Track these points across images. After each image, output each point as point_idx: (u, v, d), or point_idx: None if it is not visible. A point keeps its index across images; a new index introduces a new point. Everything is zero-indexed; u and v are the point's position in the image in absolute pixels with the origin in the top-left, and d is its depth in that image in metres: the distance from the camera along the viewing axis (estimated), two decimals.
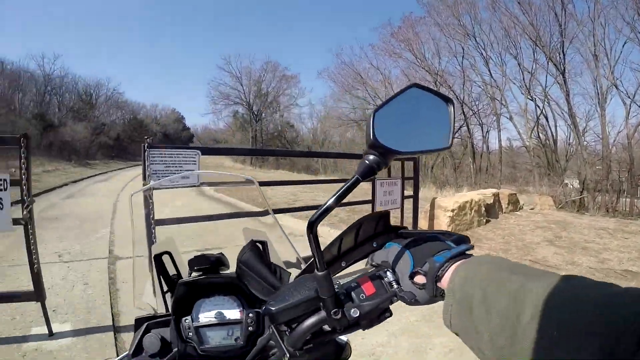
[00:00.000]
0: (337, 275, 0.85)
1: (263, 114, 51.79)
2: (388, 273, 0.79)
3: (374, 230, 0.91)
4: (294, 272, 1.00)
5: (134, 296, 1.22)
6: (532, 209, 12.80)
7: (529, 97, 26.13)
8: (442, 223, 7.84)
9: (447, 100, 0.80)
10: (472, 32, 27.85)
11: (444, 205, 8.04)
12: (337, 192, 0.70)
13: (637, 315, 0.38)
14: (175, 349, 0.99)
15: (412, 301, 0.74)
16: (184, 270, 1.23)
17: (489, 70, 28.15)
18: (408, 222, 7.33)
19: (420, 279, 0.73)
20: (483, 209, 9.06)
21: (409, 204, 7.33)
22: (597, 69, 22.46)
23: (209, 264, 1.09)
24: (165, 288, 1.23)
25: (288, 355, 0.75)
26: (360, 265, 0.94)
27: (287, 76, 51.21)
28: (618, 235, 8.80)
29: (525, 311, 0.49)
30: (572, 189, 22.26)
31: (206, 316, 1.02)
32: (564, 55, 23.96)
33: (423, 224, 8.13)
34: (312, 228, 0.69)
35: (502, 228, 8.85)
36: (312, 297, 0.72)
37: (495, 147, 30.06)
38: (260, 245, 1.13)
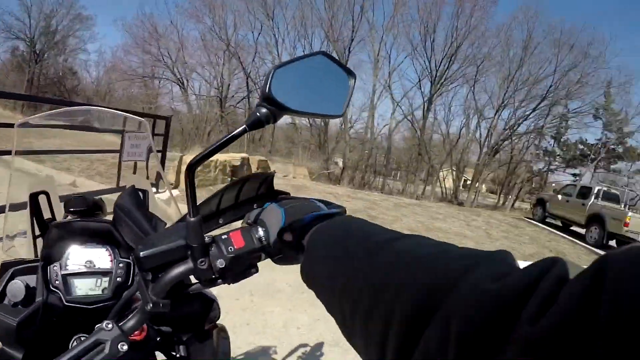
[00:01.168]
0: (212, 231, 0.87)
1: (46, 55, 46.01)
2: (259, 228, 0.80)
3: (257, 192, 0.93)
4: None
5: (3, 238, 1.22)
6: (285, 176, 15.04)
7: None
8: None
9: (349, 73, 0.83)
10: (272, 14, 29.90)
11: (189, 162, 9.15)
12: (221, 139, 0.72)
13: (452, 272, 0.42)
14: (39, 298, 0.97)
15: (279, 258, 0.78)
16: (60, 214, 1.23)
17: (278, 53, 30.79)
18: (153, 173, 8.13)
19: (287, 236, 0.75)
20: (229, 169, 10.39)
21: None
22: (376, 70, 28.39)
23: (85, 206, 1.10)
24: (37, 231, 1.22)
25: (151, 304, 0.73)
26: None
27: (82, 16, 45.72)
28: (342, 199, 11.36)
29: (371, 270, 0.51)
30: (337, 166, 27.15)
31: (76, 264, 1.01)
32: (349, 52, 28.36)
33: (171, 177, 8.83)
34: (190, 170, 0.71)
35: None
36: (180, 244, 0.73)
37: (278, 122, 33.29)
38: (140, 193, 1.14)
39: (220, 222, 0.91)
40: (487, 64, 27.88)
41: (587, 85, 28.00)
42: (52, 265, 1.00)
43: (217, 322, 1.09)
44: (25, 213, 1.23)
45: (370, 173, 28.13)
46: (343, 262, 0.57)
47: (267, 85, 0.71)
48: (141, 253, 0.72)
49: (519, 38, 27.78)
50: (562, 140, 34.40)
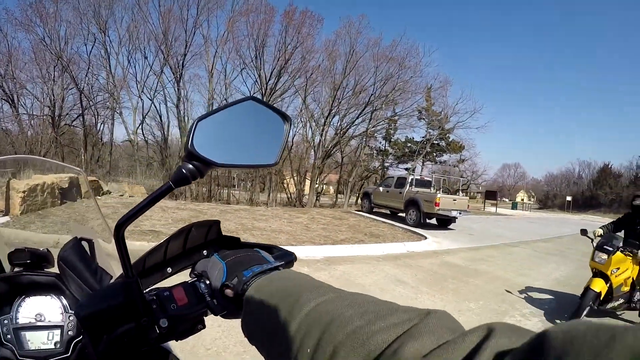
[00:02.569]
0: (161, 281, 0.91)
1: None
2: (202, 284, 0.81)
3: (205, 239, 0.95)
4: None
5: None
6: (121, 195, 15.75)
7: (146, 96, 30.64)
8: (16, 203, 9.28)
9: (284, 117, 0.83)
10: (104, 26, 29.54)
11: (17, 187, 9.12)
12: (149, 197, 0.71)
13: (375, 343, 0.41)
14: None
15: (223, 314, 0.80)
16: (7, 267, 1.20)
17: (111, 68, 30.59)
18: None
19: (229, 292, 0.76)
20: (57, 192, 11.02)
21: None
22: (211, 85, 29.83)
23: (29, 259, 1.09)
24: None
25: None
26: None
27: None
28: (170, 210, 12.52)
29: (293, 328, 0.53)
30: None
31: (26, 317, 1.01)
32: (183, 66, 28.97)
33: (0, 205, 9.53)
34: (119, 230, 0.70)
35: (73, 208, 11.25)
36: (120, 303, 0.72)
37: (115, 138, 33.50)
38: (86, 244, 1.13)
39: (169, 271, 0.93)
40: (316, 76, 30.66)
41: (407, 92, 32.35)
42: (1, 318, 1.00)
43: None
44: None
45: (214, 186, 29.10)
46: (274, 322, 0.58)
47: (190, 141, 0.70)
48: (81, 313, 0.72)
49: (343, 52, 30.94)
50: (392, 140, 39.38)
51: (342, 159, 33.43)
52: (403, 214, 17.78)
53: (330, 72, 30.85)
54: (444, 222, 17.98)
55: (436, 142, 40.17)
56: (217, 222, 0.95)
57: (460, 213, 17.24)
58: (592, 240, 6.73)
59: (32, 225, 8.17)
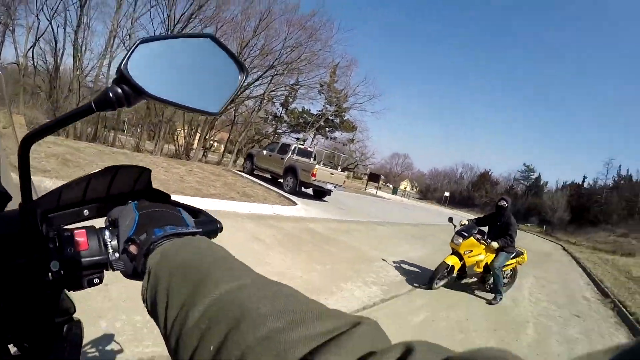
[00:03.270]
0: (74, 223, 0.80)
1: None
2: (108, 233, 0.73)
3: (133, 187, 0.89)
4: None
5: None
6: None
7: (44, 16, 26.72)
8: None
9: (241, 67, 0.77)
10: None
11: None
12: (67, 113, 0.64)
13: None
14: None
15: (122, 272, 0.70)
16: None
17: None
18: None
19: (133, 248, 0.67)
20: None
21: None
22: (117, 14, 26.77)
23: None
24: None
25: None
26: None
27: None
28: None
29: (194, 316, 0.47)
30: None
31: None
32: None
33: None
34: (26, 146, 0.63)
35: None
36: (13, 232, 0.66)
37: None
38: None
39: (85, 214, 0.85)
40: (226, 28, 29.55)
41: (313, 64, 32.37)
42: None
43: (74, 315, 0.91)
44: None
45: (101, 127, 27.64)
46: (174, 302, 0.51)
47: (125, 61, 0.63)
48: None
49: (260, 10, 30.12)
50: (289, 108, 39.48)
51: (234, 117, 33.13)
52: (281, 180, 18.11)
53: (242, 28, 30.04)
54: (319, 194, 18.66)
55: (331, 118, 41.15)
56: (148, 171, 0.89)
57: (335, 187, 17.91)
58: (455, 226, 8.34)
59: None
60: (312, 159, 19.14)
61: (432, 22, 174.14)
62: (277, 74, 31.36)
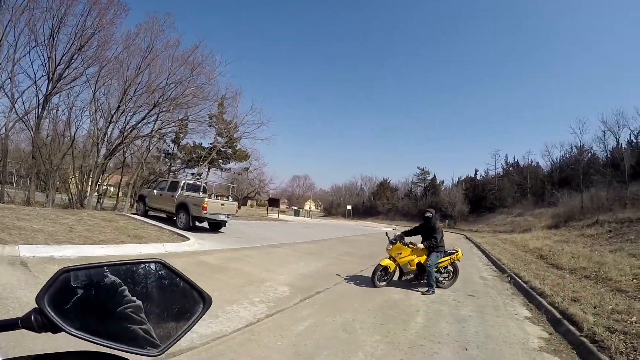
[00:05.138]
0: None
1: None
2: None
3: None
4: None
5: None
6: None
7: None
8: None
9: (201, 296, 0.73)
10: None
11: None
12: None
13: None
14: None
15: None
16: None
17: None
18: None
19: None
20: None
21: None
22: None
23: None
24: None
25: None
26: None
27: None
28: None
29: None
30: None
31: None
32: None
33: None
34: None
35: None
36: None
37: None
38: None
39: None
40: (109, 68, 29.17)
41: (199, 97, 32.78)
42: None
43: None
44: None
45: None
46: None
47: (42, 293, 0.62)
48: None
49: (142, 47, 30.12)
50: (180, 144, 39.51)
51: (124, 159, 32.67)
52: (175, 218, 18.30)
53: (125, 66, 29.72)
54: (215, 226, 19.10)
55: (223, 149, 41.80)
56: None
57: (228, 217, 18.45)
58: (388, 238, 10.59)
59: None
60: (201, 193, 19.72)
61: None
62: (163, 111, 31.36)
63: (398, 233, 10.70)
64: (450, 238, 13.34)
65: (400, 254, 10.19)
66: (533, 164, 77.21)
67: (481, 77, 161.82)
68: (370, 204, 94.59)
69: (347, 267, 12.80)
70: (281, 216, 44.21)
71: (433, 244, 10.01)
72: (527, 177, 72.85)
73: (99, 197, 30.37)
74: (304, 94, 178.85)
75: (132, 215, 20.18)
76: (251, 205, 63.92)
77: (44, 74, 27.19)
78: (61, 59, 27.10)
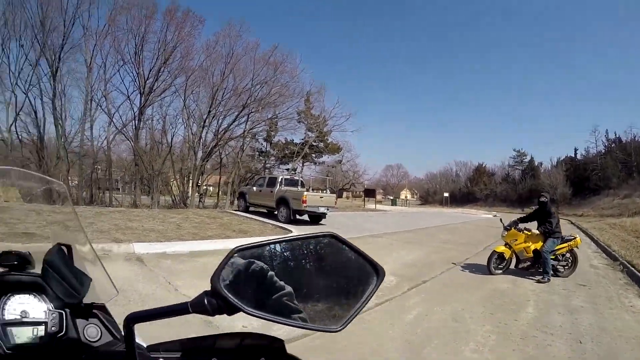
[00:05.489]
0: None
1: None
2: None
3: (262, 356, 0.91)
4: (100, 278, 1.17)
5: None
6: None
7: (20, 89, 27.03)
8: None
9: (375, 269, 0.72)
10: None
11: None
12: (162, 309, 0.76)
13: None
14: None
15: None
16: None
17: None
18: None
19: None
20: None
21: None
22: (88, 79, 27.63)
23: (15, 260, 1.15)
24: None
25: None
26: None
27: None
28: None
29: None
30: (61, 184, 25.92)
31: (11, 313, 1.04)
32: (60, 58, 26.65)
33: None
34: (129, 324, 0.77)
35: None
36: None
37: None
38: (65, 249, 1.18)
39: None
40: (195, 77, 30.56)
41: (285, 95, 33.31)
42: None
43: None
44: None
45: (95, 189, 28.08)
46: None
47: (217, 273, 0.66)
48: None
49: (223, 53, 31.17)
50: (272, 141, 40.15)
51: (220, 160, 33.73)
52: (276, 212, 18.48)
53: (210, 73, 30.93)
54: (315, 218, 19.02)
55: (315, 143, 41.99)
56: (280, 342, 0.94)
57: (328, 209, 18.43)
58: (503, 225, 10.19)
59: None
60: (299, 187, 19.74)
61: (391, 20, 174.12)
62: (253, 111, 31.99)
63: (512, 220, 10.25)
64: None
65: (516, 240, 9.74)
66: (637, 138, 69.27)
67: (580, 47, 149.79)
68: (467, 190, 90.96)
69: (450, 255, 12.34)
70: (378, 206, 43.65)
71: (548, 229, 9.42)
72: (631, 153, 65.12)
73: (200, 197, 31.50)
74: (388, 79, 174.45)
75: (234, 212, 20.65)
76: (347, 197, 63.81)
77: (135, 89, 29.35)
78: (149, 73, 29.09)
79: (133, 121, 29.70)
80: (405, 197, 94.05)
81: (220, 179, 35.56)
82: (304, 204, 16.96)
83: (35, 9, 26.37)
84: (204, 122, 30.66)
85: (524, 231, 9.77)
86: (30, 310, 1.05)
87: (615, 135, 73.13)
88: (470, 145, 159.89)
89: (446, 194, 77.08)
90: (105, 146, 29.24)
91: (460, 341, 5.14)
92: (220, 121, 31.68)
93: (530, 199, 67.44)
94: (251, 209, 21.28)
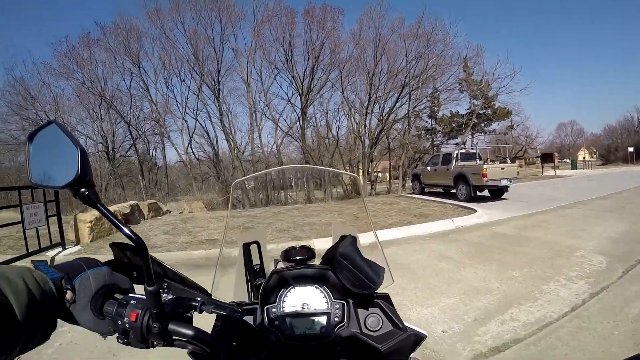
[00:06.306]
0: None
1: None
2: None
3: None
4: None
5: (214, 283, 1.37)
6: (180, 212, 16.39)
7: (190, 116, 31.35)
8: (85, 233, 9.84)
9: (76, 143, 0.74)
10: (137, 59, 30.67)
11: (83, 219, 10.02)
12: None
13: None
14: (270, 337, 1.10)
15: None
16: (267, 260, 1.45)
17: (150, 95, 31.79)
18: (56, 235, 9.20)
19: None
20: (120, 216, 11.61)
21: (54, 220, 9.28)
22: (249, 93, 30.46)
23: (304, 255, 1.27)
24: (247, 276, 1.44)
25: None
26: None
27: None
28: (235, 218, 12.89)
29: None
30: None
31: (292, 305, 1.13)
32: (219, 81, 29.89)
33: (71, 236, 10.01)
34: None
35: (138, 229, 11.66)
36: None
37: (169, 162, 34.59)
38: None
39: None
40: (349, 67, 30.93)
41: (442, 66, 31.90)
42: (269, 307, 1.13)
43: None
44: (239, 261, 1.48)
45: (270, 189, 29.76)
46: None
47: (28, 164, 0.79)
48: None
49: (371, 38, 30.99)
50: (437, 117, 38.81)
51: (388, 144, 33.51)
52: (454, 191, 17.67)
53: (362, 61, 31.02)
54: (496, 193, 17.64)
55: (482, 111, 39.38)
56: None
57: (510, 181, 16.94)
58: None
59: (102, 249, 8.86)
60: (478, 160, 18.46)
61: None
62: (413, 89, 31.38)
63: None
64: None
65: None
66: None
67: None
68: None
69: None
70: (557, 172, 40.30)
71: None
72: None
73: (372, 184, 31.74)
74: (548, 27, 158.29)
75: (410, 195, 20.27)
76: (520, 165, 60.03)
77: (294, 92, 31.28)
78: (303, 74, 30.47)
79: (297, 122, 31.65)
80: (584, 157, 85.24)
81: (390, 163, 35.25)
82: (485, 179, 15.82)
83: (186, 46, 29.85)
84: (366, 109, 30.84)
85: None
86: (312, 302, 1.13)
87: None
88: None
89: (630, 149, 66.99)
90: (275, 150, 31.67)
91: None
92: (382, 105, 31.67)
93: None
94: (426, 189, 20.64)
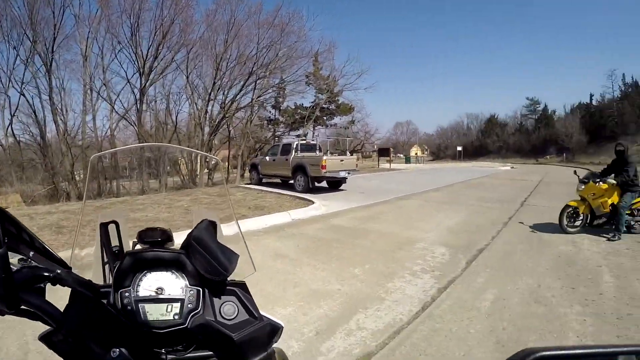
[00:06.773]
0: None
1: None
2: None
3: None
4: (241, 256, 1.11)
5: (72, 256, 1.21)
6: None
7: (15, 90, 25.95)
8: None
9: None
10: None
11: None
12: None
13: None
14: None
15: None
16: (126, 241, 1.32)
17: None
18: None
19: None
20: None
21: None
22: (86, 69, 26.25)
23: (159, 237, 1.16)
24: (105, 258, 1.31)
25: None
26: None
27: None
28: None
29: None
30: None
31: (147, 290, 1.04)
32: (53, 50, 25.11)
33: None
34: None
35: None
36: None
37: None
38: (211, 225, 1.17)
39: None
40: (197, 49, 29.33)
41: (293, 57, 31.71)
42: (122, 291, 1.04)
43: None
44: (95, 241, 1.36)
45: (102, 179, 26.78)
46: None
47: None
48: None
49: (225, 21, 29.69)
50: (281, 108, 38.59)
51: (229, 133, 32.48)
52: (292, 182, 17.30)
53: (212, 44, 29.77)
54: (335, 184, 17.65)
55: (325, 106, 40.16)
56: None
57: (349, 173, 16.98)
58: (578, 177, 9.15)
59: None
60: (317, 152, 18.35)
61: None
62: (260, 78, 30.76)
63: (586, 172, 9.34)
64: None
65: (594, 194, 8.63)
66: None
67: None
68: (480, 143, 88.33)
69: (492, 215, 10.86)
70: (392, 165, 42.36)
71: (625, 180, 8.26)
72: None
73: (209, 173, 30.47)
74: (399, 35, 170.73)
75: (246, 186, 19.42)
76: (358, 158, 62.60)
77: (135, 72, 28.21)
78: (147, 52, 27.83)
79: (135, 104, 28.62)
80: (416, 153, 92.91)
81: (229, 152, 34.00)
82: (324, 170, 15.53)
83: (22, 5, 24.59)
84: (209, 95, 29.65)
85: (600, 184, 8.61)
86: (167, 287, 1.05)
87: (633, 79, 68.88)
88: (481, 97, 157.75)
89: (459, 148, 74.98)
90: (109, 135, 28.27)
91: (557, 333, 4.04)
92: (226, 92, 30.65)
93: (545, 149, 65.97)
94: (264, 180, 20.00)
